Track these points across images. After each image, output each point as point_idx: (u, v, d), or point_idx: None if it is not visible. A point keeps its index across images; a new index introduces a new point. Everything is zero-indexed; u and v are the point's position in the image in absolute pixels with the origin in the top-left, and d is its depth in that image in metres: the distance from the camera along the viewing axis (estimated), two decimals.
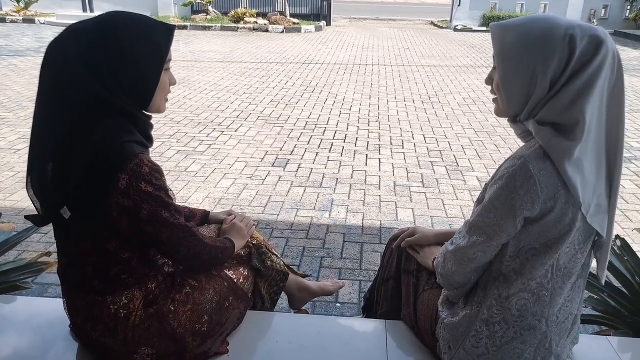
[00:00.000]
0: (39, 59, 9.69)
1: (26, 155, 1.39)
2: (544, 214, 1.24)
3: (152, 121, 1.43)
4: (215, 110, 6.37)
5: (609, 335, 1.97)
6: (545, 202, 1.23)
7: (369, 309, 2.02)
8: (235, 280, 1.67)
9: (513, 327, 1.34)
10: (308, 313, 2.18)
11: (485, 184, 1.35)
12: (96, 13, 5.95)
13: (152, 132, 1.44)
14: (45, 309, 1.83)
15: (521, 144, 1.34)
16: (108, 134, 1.29)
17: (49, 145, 1.32)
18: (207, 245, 1.52)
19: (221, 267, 1.67)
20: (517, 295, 1.32)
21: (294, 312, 2.11)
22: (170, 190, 1.40)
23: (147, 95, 1.35)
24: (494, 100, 1.35)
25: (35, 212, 1.40)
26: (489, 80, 1.35)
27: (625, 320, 1.93)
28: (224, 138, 5.34)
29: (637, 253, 2.14)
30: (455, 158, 4.88)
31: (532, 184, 1.21)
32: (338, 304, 2.66)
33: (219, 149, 5.02)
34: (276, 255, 1.90)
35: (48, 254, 2.28)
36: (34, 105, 1.33)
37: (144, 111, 1.40)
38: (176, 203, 1.43)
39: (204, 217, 1.85)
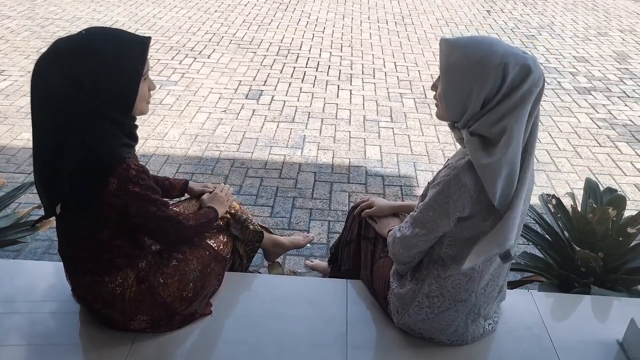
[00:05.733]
0: None
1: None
2: (474, 214, 1.49)
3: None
4: (187, 32, 6.29)
5: (538, 281, 2.30)
6: (474, 205, 1.46)
7: (334, 261, 2.31)
8: (216, 248, 1.91)
9: (449, 300, 1.63)
10: (281, 264, 2.46)
11: (429, 183, 1.58)
12: None
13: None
14: (49, 272, 2.04)
15: None
16: (97, 141, 1.47)
17: (45, 149, 1.50)
18: (191, 227, 1.74)
19: (203, 237, 1.89)
20: (452, 277, 1.59)
21: (269, 264, 2.39)
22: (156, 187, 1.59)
23: (129, 105, 1.51)
24: (436, 105, 1.54)
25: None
26: (434, 87, 1.52)
27: (552, 273, 2.25)
28: (197, 66, 5.36)
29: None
30: (424, 89, 5.04)
31: (464, 192, 1.44)
32: (309, 245, 2.94)
33: (193, 78, 5.07)
34: (252, 219, 2.14)
35: (40, 207, 2.46)
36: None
37: (128, 114, 1.55)
38: (157, 175, 1.61)
39: (184, 188, 2.05)
